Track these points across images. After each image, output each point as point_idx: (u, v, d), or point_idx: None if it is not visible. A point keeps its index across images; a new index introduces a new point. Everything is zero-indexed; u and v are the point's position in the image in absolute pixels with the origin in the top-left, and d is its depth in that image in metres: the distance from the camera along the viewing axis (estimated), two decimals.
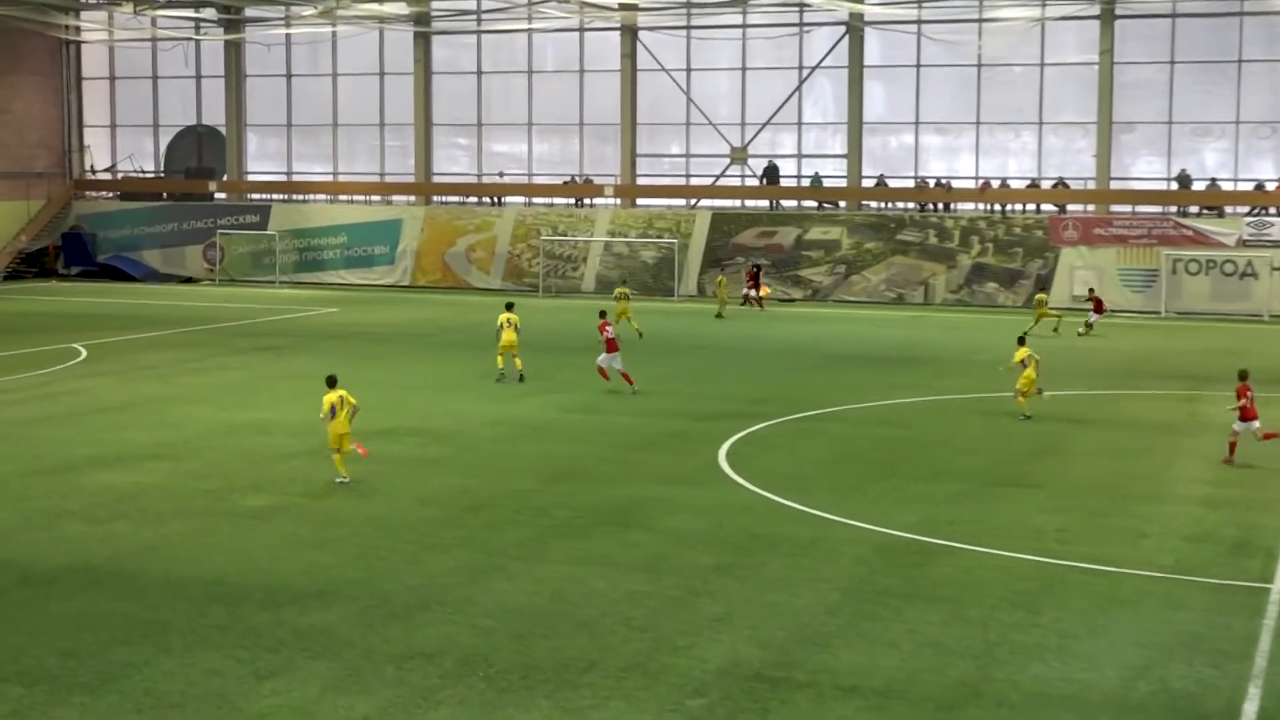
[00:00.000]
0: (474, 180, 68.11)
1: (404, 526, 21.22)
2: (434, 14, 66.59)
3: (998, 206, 59.65)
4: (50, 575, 18.70)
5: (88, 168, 74.20)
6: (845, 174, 62.38)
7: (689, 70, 64.24)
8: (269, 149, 72.33)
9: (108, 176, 73.95)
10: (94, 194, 73.49)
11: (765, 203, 63.80)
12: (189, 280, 68.21)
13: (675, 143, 65.68)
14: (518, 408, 32.20)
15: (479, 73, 67.22)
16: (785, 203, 63.60)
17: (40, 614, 17.07)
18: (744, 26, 63.33)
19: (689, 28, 63.80)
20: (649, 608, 17.42)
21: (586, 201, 65.58)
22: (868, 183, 62.16)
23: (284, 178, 71.21)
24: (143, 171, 73.76)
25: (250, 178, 71.56)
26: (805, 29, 62.71)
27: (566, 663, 15.45)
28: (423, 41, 67.04)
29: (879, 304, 58.24)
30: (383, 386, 34.76)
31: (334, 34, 68.29)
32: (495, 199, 67.07)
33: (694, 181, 65.21)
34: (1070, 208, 59.42)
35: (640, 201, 65.04)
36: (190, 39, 70.57)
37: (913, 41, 60.89)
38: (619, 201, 64.82)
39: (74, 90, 73.61)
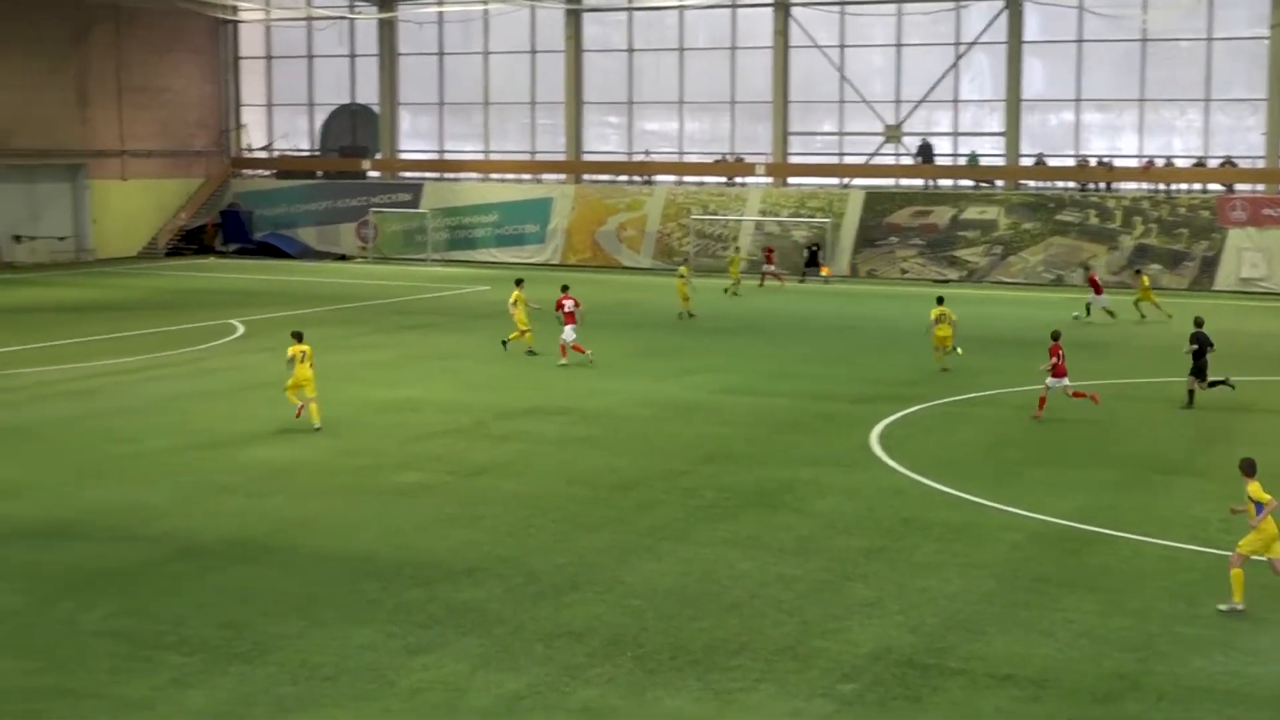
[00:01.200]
0: (624, 158, 68.35)
1: (553, 505, 21.41)
2: None
3: (1162, 186, 58.36)
4: (208, 548, 19.20)
5: (245, 146, 75.83)
6: (1003, 152, 61.46)
7: (843, 47, 63.72)
8: (421, 127, 73.26)
9: (264, 155, 75.53)
10: (251, 172, 75.11)
11: (920, 181, 63.14)
12: (343, 258, 69.40)
13: (828, 120, 65.23)
14: (666, 388, 32.28)
15: (630, 50, 67.38)
16: (940, 182, 62.88)
17: (199, 585, 17.54)
18: (900, 1, 62.63)
19: (843, 3, 63.28)
20: (798, 590, 17.39)
21: (738, 180, 65.46)
22: (1026, 161, 61.18)
23: (436, 156, 72.09)
24: (298, 150, 75.20)
25: (403, 156, 72.57)
26: (962, 4, 61.85)
27: (715, 644, 15.48)
28: (574, 19, 67.36)
29: (1037, 286, 57.32)
30: (531, 365, 35.09)
31: (486, 12, 68.90)
32: (646, 177, 67.23)
33: (847, 160, 64.73)
34: (1238, 187, 57.91)
35: (792, 180, 64.74)
36: (345, 18, 71.70)
37: (1074, 16, 59.69)
38: (770, 180, 64.59)
39: (231, 70, 75.25)
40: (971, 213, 60.04)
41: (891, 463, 24.46)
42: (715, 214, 63.86)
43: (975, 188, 61.93)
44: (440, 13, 69.73)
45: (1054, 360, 28.66)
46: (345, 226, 70.80)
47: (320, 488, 22.67)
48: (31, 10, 63.45)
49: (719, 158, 66.08)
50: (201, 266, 64.92)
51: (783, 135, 64.42)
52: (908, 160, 63.32)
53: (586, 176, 68.43)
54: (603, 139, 69.53)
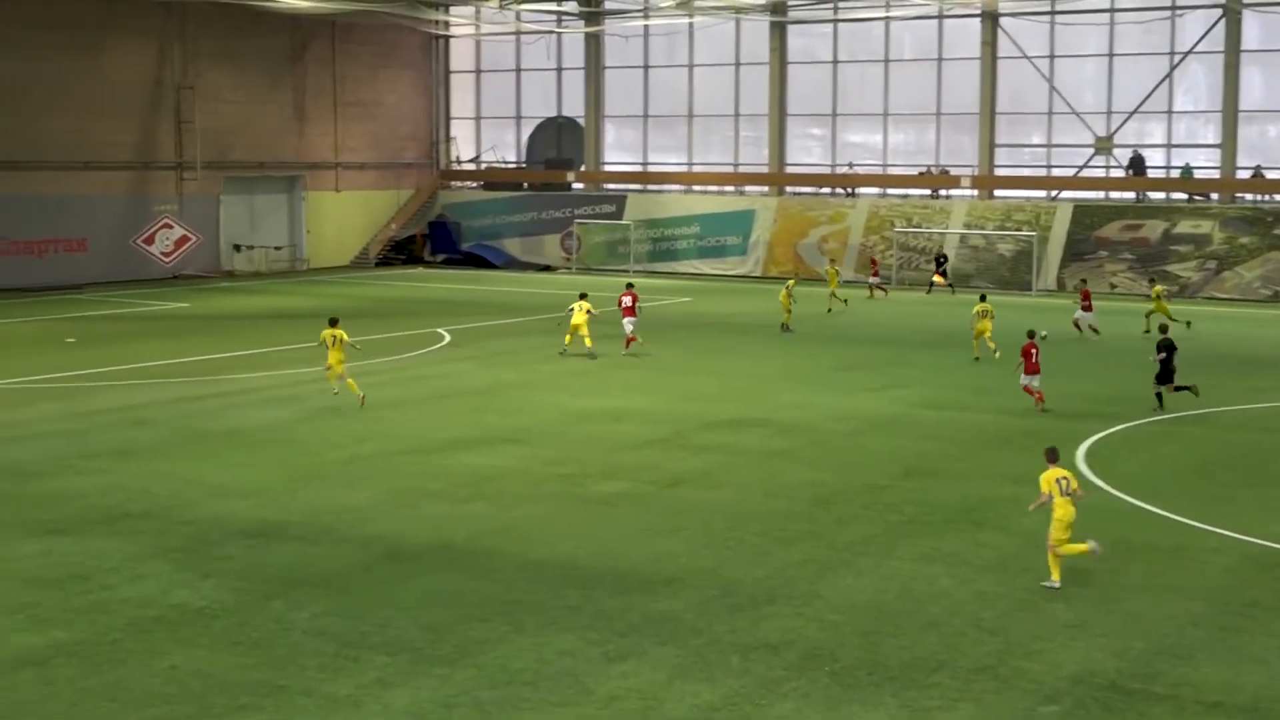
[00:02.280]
0: (827, 171, 68.07)
1: (751, 518, 21.42)
2: (790, 3, 66.79)
3: None
4: (414, 551, 19.64)
5: (453, 158, 77.37)
6: (1218, 164, 59.73)
7: (1052, 57, 62.56)
8: (626, 139, 73.92)
9: (472, 167, 76.96)
10: (459, 184, 76.61)
11: (1130, 195, 61.67)
12: (546, 268, 70.33)
13: (1036, 132, 64.11)
14: (866, 401, 32.06)
15: (835, 62, 67.06)
16: (1152, 195, 61.34)
17: (404, 588, 17.95)
18: (1111, 11, 61.27)
19: (1053, 13, 62.13)
20: (999, 610, 17.13)
21: (942, 193, 64.71)
22: (1243, 174, 59.36)
23: (640, 168, 72.65)
24: (505, 162, 76.45)
25: (607, 168, 73.28)
26: (1177, 12, 60.29)
27: (914, 662, 15.34)
28: (778, 31, 67.32)
29: (1252, 302, 55.55)
30: (733, 376, 35.15)
31: (690, 25, 69.24)
32: (849, 190, 66.83)
33: (1055, 172, 63.56)
34: None
35: (998, 193, 63.77)
36: (552, 32, 72.73)
37: None
38: (976, 193, 63.72)
39: (442, 83, 76.87)
40: (1184, 226, 58.44)
41: (1098, 481, 23.94)
42: (919, 227, 63.21)
43: (1189, 201, 60.28)
44: (646, 26, 70.29)
45: (1028, 359, 31.08)
46: (549, 238, 71.74)
47: (523, 495, 23.01)
48: (253, 28, 65.61)
49: (923, 170, 65.41)
50: (410, 276, 66.37)
51: (989, 147, 63.50)
52: (1118, 173, 61.91)
53: (789, 189, 68.31)
54: (806, 151, 69.31)
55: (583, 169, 73.16)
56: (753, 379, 35.05)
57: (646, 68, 71.60)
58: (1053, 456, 19.00)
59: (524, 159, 76.04)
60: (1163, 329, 33.08)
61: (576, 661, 15.32)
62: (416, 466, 25.11)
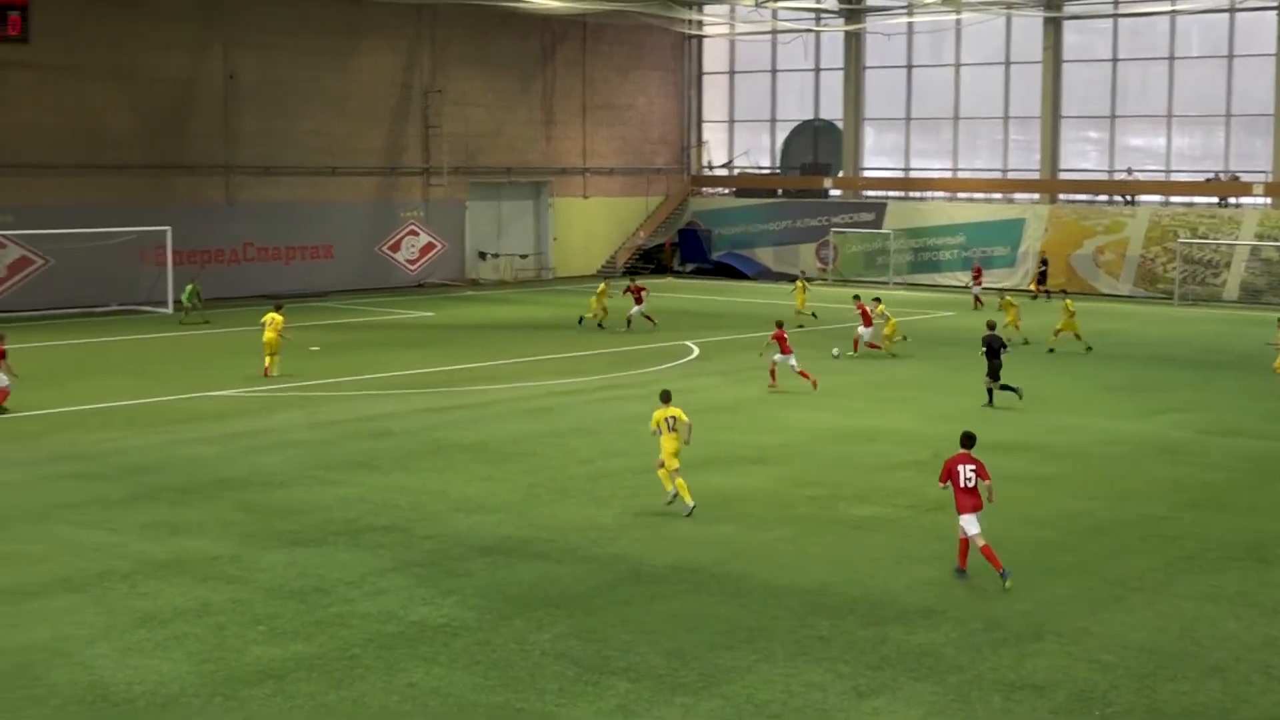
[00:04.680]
0: (1104, 177, 66.47)
1: (1015, 547, 21.00)
2: None
3: None
4: (658, 574, 19.78)
5: (705, 164, 77.83)
6: None
7: None
8: (886, 144, 73.40)
9: (724, 173, 77.32)
10: (710, 190, 77.04)
11: None
12: None
13: None
14: (1142, 425, 31.22)
15: (1114, 60, 65.52)
16: None
17: (647, 611, 18.09)
18: None
19: None
20: None
21: (1231, 201, 62.60)
22: None
23: (901, 174, 72.04)
24: (758, 168, 76.60)
25: (866, 174, 72.86)
26: None
27: (1194, 709, 14.86)
28: (1053, 27, 66.07)
29: None
30: (995, 398, 34.54)
31: (958, 22, 68.44)
32: (1128, 197, 65.17)
33: None
34: None
35: None
36: (810, 31, 72.66)
37: None
38: (1269, 201, 61.47)
39: (694, 85, 77.45)
40: None
41: None
42: (1205, 238, 61.25)
43: None
44: (909, 23, 69.71)
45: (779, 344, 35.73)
46: (804, 247, 71.64)
47: (771, 517, 22.99)
48: (502, 30, 67.10)
49: (1210, 176, 63.36)
50: (658, 286, 66.88)
51: None
52: None
53: (1062, 196, 66.93)
54: (1081, 155, 67.83)
55: (840, 175, 72.86)
56: (1020, 401, 34.37)
57: (910, 67, 70.98)
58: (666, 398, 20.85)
59: (778, 164, 76.07)
60: (990, 325, 34.91)
61: (826, 695, 15.23)
62: (660, 485, 25.24)
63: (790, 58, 74.54)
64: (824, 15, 72.28)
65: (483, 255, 69.02)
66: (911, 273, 68.03)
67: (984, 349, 33.94)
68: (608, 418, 32.03)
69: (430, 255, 67.18)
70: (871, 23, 71.00)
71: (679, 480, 23.12)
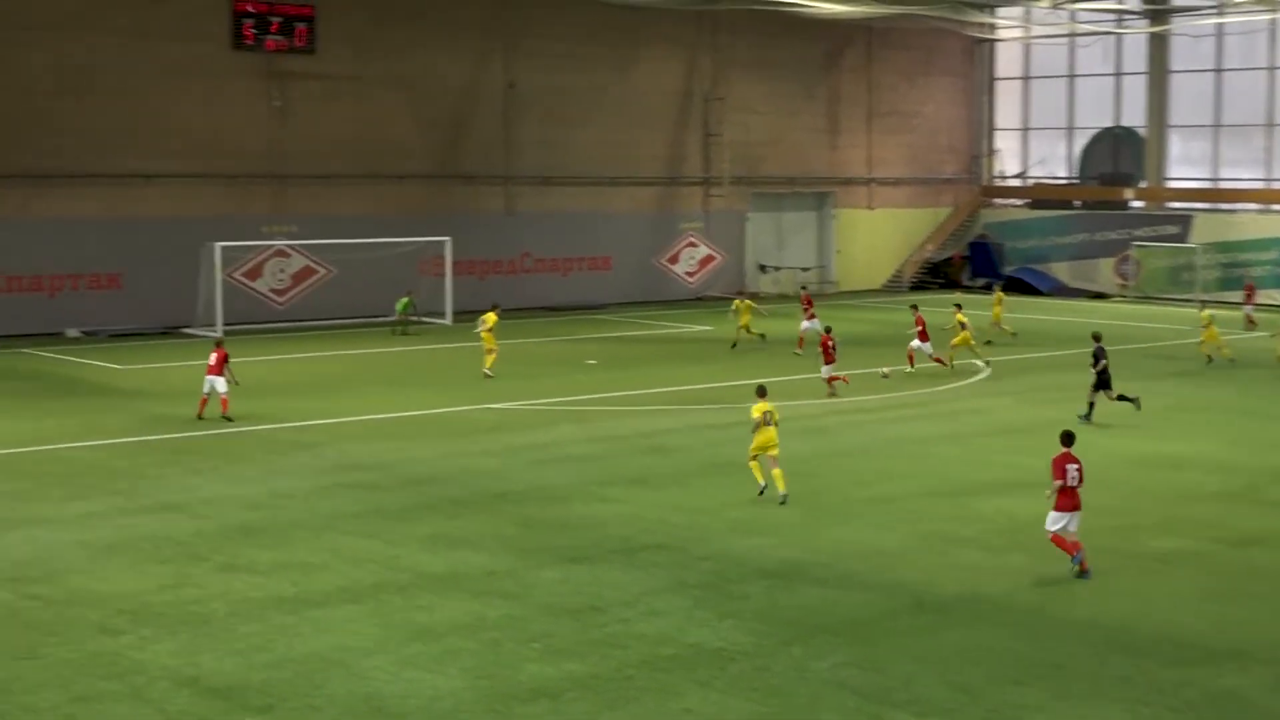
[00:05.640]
0: None
1: None
2: None
3: None
4: (943, 603, 19.47)
5: (996, 173, 76.61)
6: None
7: None
8: (1193, 152, 71.17)
9: (1017, 183, 75.97)
10: (1002, 201, 75.77)
11: None
12: (1098, 296, 68.55)
13: None
14: None
15: None
16: None
17: (931, 642, 17.82)
18: None
19: None
20: None
21: None
22: None
23: (1209, 184, 69.76)
24: (1054, 177, 75.07)
25: (1170, 184, 70.73)
26: None
27: None
28: None
29: None
30: None
31: (1273, 21, 66.00)
32: None
33: None
34: None
35: None
36: (1111, 33, 70.94)
37: None
38: None
39: (986, 91, 76.32)
40: None
41: None
42: None
43: None
44: (1219, 24, 67.49)
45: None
46: (1103, 261, 69.95)
47: None
48: (785, 35, 67.10)
49: None
50: (946, 302, 66.00)
51: None
52: None
53: None
54: None
55: (1143, 185, 70.89)
56: None
57: (1219, 71, 68.70)
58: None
59: (1076, 174, 74.40)
60: (1096, 336, 34.58)
61: None
62: (948, 509, 24.93)
63: (1089, 61, 72.83)
64: (1126, 17, 70.49)
65: (763, 268, 69.11)
66: (1221, 290, 65.70)
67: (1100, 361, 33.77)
68: (890, 438, 31.74)
69: (709, 268, 67.55)
70: (1178, 23, 68.92)
71: (775, 470, 25.01)
